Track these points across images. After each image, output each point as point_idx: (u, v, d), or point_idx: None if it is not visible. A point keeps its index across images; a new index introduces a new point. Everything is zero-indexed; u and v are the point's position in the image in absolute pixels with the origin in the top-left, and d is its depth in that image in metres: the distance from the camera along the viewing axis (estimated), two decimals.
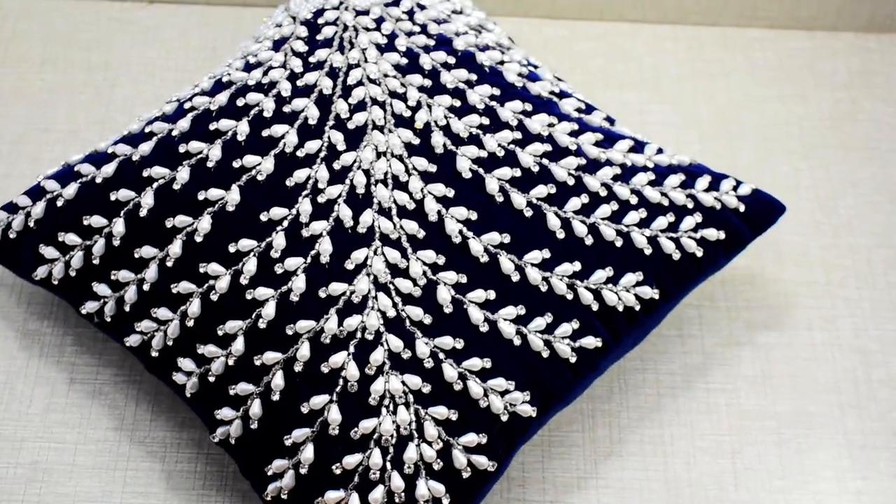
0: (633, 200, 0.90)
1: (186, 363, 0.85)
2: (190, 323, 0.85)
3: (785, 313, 0.99)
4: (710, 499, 0.89)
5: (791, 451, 0.92)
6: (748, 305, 0.99)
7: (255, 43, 0.97)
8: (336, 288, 0.84)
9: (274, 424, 0.82)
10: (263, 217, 0.86)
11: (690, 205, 0.91)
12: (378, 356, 0.82)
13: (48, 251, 0.90)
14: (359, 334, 0.83)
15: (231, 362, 0.84)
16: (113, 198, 0.89)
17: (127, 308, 0.87)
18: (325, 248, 0.85)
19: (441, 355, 0.83)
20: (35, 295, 0.97)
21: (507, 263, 0.86)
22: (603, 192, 0.89)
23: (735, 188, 0.93)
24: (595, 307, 0.86)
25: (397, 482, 0.80)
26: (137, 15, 1.17)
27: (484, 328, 0.84)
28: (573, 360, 0.85)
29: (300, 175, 0.88)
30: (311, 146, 0.89)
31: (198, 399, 0.85)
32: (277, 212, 0.86)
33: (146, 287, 0.86)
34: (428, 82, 0.92)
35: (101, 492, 0.88)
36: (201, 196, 0.87)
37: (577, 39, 1.15)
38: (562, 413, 0.91)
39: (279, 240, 0.85)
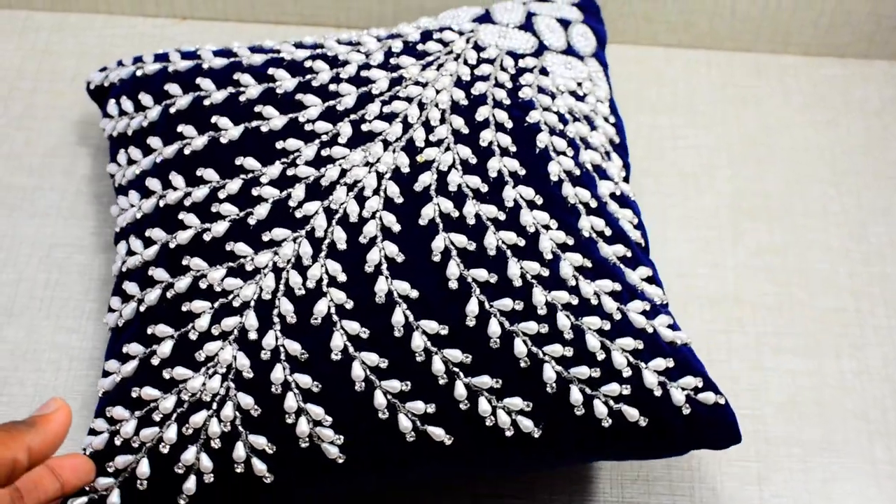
0: (568, 336, 0.82)
1: (121, 246, 0.90)
2: (139, 215, 0.89)
3: (813, 340, 0.98)
4: None
5: (818, 479, 0.91)
6: (776, 331, 0.98)
7: (378, 29, 1.01)
8: (241, 249, 0.85)
9: (127, 332, 0.85)
10: (238, 161, 0.89)
11: (627, 374, 0.82)
12: (230, 323, 0.82)
13: (111, 107, 0.98)
14: (229, 297, 0.84)
15: (138, 263, 0.87)
16: (166, 88, 0.95)
17: (124, 182, 0.93)
18: (260, 212, 0.86)
19: (282, 356, 0.81)
20: (64, 308, 0.97)
21: (398, 316, 0.82)
22: (542, 311, 0.82)
23: (697, 390, 0.83)
24: (464, 406, 0.80)
25: (170, 434, 0.79)
26: (171, 31, 1.17)
27: (336, 357, 0.81)
28: (410, 438, 0.80)
29: (291, 144, 0.90)
30: (321, 127, 0.90)
31: (115, 280, 0.89)
32: (251, 163, 0.89)
33: (138, 171, 0.92)
34: (466, 130, 0.91)
35: None
36: (213, 119, 0.92)
37: (611, 63, 1.14)
38: None
39: (233, 185, 0.88)
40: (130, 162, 0.93)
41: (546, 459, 0.83)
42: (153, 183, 0.90)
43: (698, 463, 0.91)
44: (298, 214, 0.86)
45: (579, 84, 0.98)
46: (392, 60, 0.95)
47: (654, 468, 0.91)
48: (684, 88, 1.14)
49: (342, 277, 0.84)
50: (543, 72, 0.97)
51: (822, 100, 1.14)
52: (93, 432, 0.81)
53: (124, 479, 0.80)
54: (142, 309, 0.85)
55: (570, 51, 1.00)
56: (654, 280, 0.88)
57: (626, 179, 0.96)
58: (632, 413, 0.81)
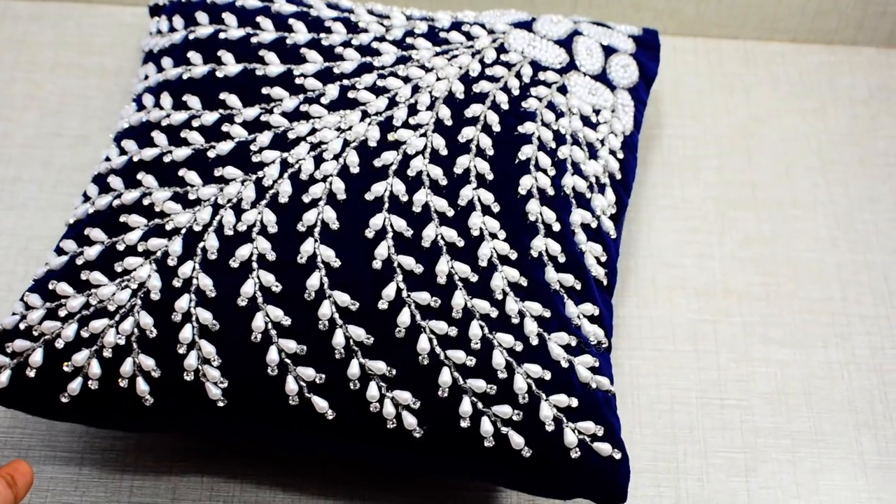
0: (476, 346, 0.81)
1: (103, 152, 0.93)
2: (125, 125, 0.93)
3: (801, 330, 0.98)
4: None
5: (806, 469, 0.91)
6: (764, 321, 0.98)
7: (413, 10, 1.00)
8: (191, 177, 0.86)
9: (74, 229, 0.87)
10: (222, 96, 0.91)
11: (523, 400, 0.80)
12: (156, 244, 0.84)
13: (152, 25, 1.01)
14: (164, 219, 0.85)
15: (107, 169, 0.89)
16: (196, 15, 0.97)
17: (134, 95, 0.95)
18: (222, 148, 0.88)
19: (192, 287, 0.82)
20: None
21: (314, 280, 0.82)
22: (456, 315, 0.81)
23: (595, 438, 0.80)
24: (353, 386, 0.80)
25: (69, 333, 0.81)
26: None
27: (242, 303, 0.81)
28: (293, 402, 0.80)
29: (276, 93, 0.91)
30: (311, 84, 0.91)
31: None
32: (233, 100, 0.90)
33: (143, 87, 0.95)
34: (449, 122, 0.89)
35: (107, 501, 0.87)
36: (219, 54, 0.93)
37: None
38: None
39: (209, 117, 0.89)
40: (146, 78, 0.96)
41: (425, 463, 0.82)
42: (148, 99, 0.92)
43: (684, 454, 0.91)
44: (255, 159, 0.87)
45: (597, 111, 0.95)
46: (408, 40, 0.95)
47: (640, 459, 0.90)
48: (670, 77, 1.13)
49: (273, 229, 0.84)
50: (562, 89, 0.94)
51: (809, 88, 1.13)
52: (13, 314, 0.83)
53: (17, 363, 0.82)
54: (90, 211, 0.87)
55: (601, 77, 0.97)
56: (599, 320, 0.86)
57: (614, 217, 0.92)
58: (517, 440, 0.80)
